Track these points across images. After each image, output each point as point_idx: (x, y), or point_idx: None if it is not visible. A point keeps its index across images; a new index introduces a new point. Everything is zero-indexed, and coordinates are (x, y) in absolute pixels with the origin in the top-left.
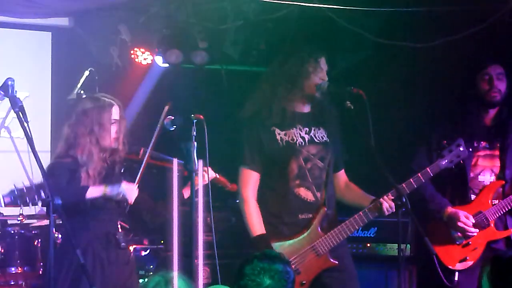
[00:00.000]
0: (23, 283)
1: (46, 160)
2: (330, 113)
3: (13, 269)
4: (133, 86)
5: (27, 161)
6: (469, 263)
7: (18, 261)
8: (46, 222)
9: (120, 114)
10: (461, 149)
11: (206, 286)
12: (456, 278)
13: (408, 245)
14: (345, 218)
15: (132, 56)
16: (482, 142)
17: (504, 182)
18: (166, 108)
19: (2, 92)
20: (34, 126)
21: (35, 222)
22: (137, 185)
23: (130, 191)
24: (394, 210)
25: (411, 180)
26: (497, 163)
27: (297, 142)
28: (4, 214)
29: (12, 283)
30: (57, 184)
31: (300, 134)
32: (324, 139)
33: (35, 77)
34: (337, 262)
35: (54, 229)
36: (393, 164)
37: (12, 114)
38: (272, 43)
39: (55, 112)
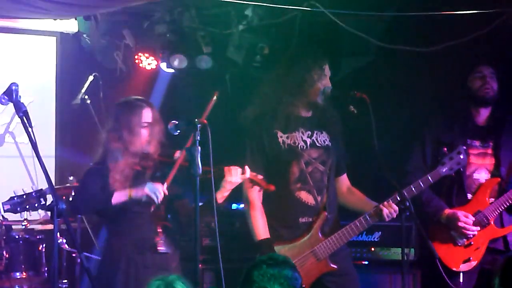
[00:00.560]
0: None
1: (50, 165)
2: (332, 117)
3: (17, 274)
4: (138, 91)
5: (31, 166)
6: (473, 263)
7: (23, 266)
8: (50, 227)
9: (153, 116)
10: (462, 156)
11: None
12: (461, 280)
13: (412, 249)
14: (347, 222)
15: (136, 61)
16: (474, 141)
17: (500, 179)
18: (214, 97)
19: (6, 97)
20: (39, 131)
21: (39, 227)
22: (167, 185)
23: (155, 191)
24: (395, 216)
25: (412, 186)
26: (491, 161)
27: (299, 145)
28: (9, 220)
29: None
30: (88, 190)
31: (302, 138)
32: (326, 143)
33: (40, 82)
34: (336, 267)
35: (56, 234)
36: (397, 168)
37: (17, 119)
38: (275, 48)
39: (60, 117)
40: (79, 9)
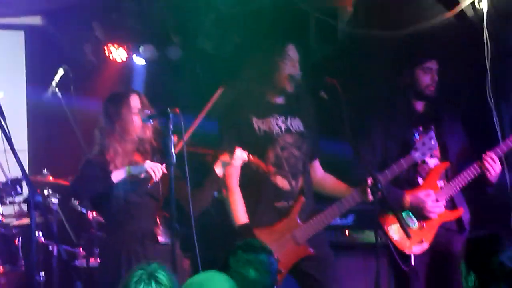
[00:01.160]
0: (6, 282)
1: (23, 159)
2: (305, 103)
3: None
4: (109, 83)
5: (3, 160)
6: (425, 245)
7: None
8: (26, 221)
9: (141, 101)
10: (433, 142)
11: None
12: (412, 262)
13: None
14: (321, 206)
15: (106, 53)
16: (418, 128)
17: (449, 163)
18: (220, 91)
19: None
20: (10, 125)
21: (15, 221)
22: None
23: (154, 167)
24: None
25: (386, 172)
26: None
27: (274, 131)
28: None
29: None
30: (86, 180)
31: (277, 123)
32: (300, 128)
33: (9, 76)
34: (313, 251)
35: (34, 226)
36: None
37: None
38: (245, 36)
39: (31, 110)
40: (44, 2)
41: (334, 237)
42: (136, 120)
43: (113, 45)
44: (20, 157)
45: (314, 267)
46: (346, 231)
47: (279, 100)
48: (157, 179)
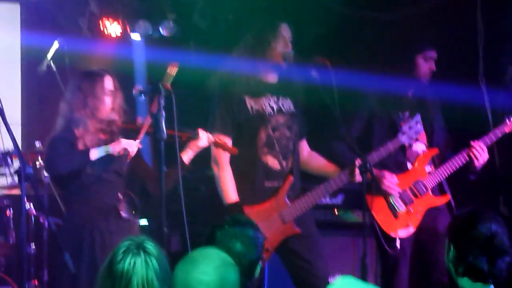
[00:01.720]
0: None
1: (16, 132)
2: (297, 83)
3: None
4: (103, 57)
5: None
6: (411, 229)
7: None
8: (16, 192)
9: (114, 84)
10: (419, 126)
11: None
12: (398, 246)
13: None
14: (308, 186)
15: (101, 27)
16: (406, 113)
17: (437, 150)
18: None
19: None
20: (4, 98)
21: (6, 192)
22: (139, 141)
23: (130, 143)
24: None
25: (374, 154)
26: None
27: (267, 111)
28: None
29: None
30: (60, 155)
31: (269, 104)
32: (291, 109)
33: (5, 49)
34: (299, 230)
35: (24, 198)
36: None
37: None
38: (240, 14)
39: (26, 83)
40: None
41: (323, 216)
42: (108, 101)
43: (108, 20)
44: (13, 130)
45: (300, 245)
46: (335, 210)
47: (272, 79)
48: (132, 154)
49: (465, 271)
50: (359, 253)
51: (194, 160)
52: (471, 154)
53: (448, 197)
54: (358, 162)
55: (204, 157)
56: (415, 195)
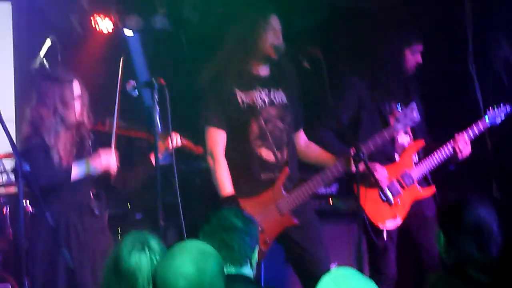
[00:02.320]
0: None
1: (11, 129)
2: (288, 74)
3: None
4: (95, 53)
5: None
6: (399, 221)
7: None
8: (13, 190)
9: (81, 87)
10: (415, 114)
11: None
12: (385, 237)
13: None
14: (305, 176)
15: (92, 23)
16: (392, 104)
17: (423, 142)
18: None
19: None
20: None
21: (2, 190)
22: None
23: (111, 158)
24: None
25: (369, 142)
26: None
27: (257, 104)
28: None
29: None
30: (37, 166)
31: (260, 96)
32: (284, 101)
33: None
34: (297, 222)
35: (21, 195)
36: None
37: None
38: (230, 7)
39: (19, 81)
40: None
41: (318, 206)
42: (77, 106)
43: (99, 16)
44: (8, 128)
45: (300, 235)
46: (330, 199)
47: (263, 71)
48: (115, 169)
49: (456, 257)
50: (354, 240)
51: (189, 154)
52: (456, 147)
53: (433, 188)
54: (352, 151)
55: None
56: (402, 187)
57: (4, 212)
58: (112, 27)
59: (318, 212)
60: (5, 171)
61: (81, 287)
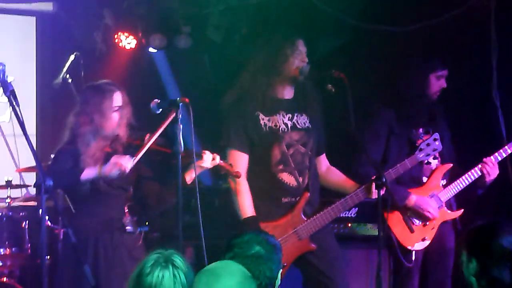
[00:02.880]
0: (12, 264)
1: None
2: (312, 98)
3: (1, 250)
4: (118, 70)
5: (12, 145)
6: (427, 242)
7: (6, 243)
8: (32, 203)
9: (123, 99)
10: (437, 143)
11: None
12: (413, 258)
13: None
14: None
15: (116, 40)
16: (420, 129)
17: (451, 165)
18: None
19: None
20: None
21: (22, 204)
22: (136, 159)
23: (123, 160)
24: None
25: (391, 171)
26: None
27: (280, 128)
28: None
29: (1, 264)
30: (58, 168)
31: (283, 120)
32: (307, 125)
33: (20, 61)
34: (315, 246)
35: (44, 210)
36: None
37: None
38: (254, 28)
39: (40, 96)
40: None
41: (336, 230)
42: (115, 117)
43: (123, 34)
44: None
45: (320, 260)
46: (349, 224)
47: (287, 95)
48: (127, 171)
49: (488, 284)
50: (372, 265)
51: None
52: (484, 169)
53: (461, 211)
54: (374, 177)
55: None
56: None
57: (23, 226)
58: (136, 43)
59: (336, 236)
60: (25, 185)
61: None
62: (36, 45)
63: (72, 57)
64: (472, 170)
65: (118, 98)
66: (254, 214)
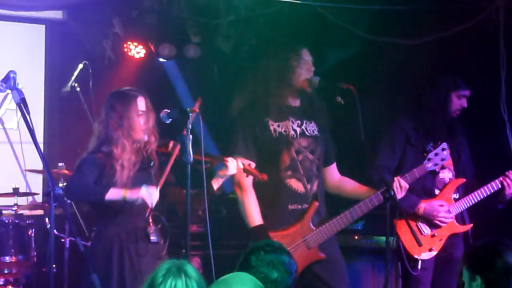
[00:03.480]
0: (17, 272)
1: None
2: (320, 107)
3: (7, 258)
4: (126, 79)
5: (19, 152)
6: (434, 253)
7: (12, 250)
8: (39, 212)
9: (146, 105)
10: (445, 152)
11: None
12: (419, 267)
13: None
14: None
15: (125, 49)
16: (438, 142)
17: (464, 180)
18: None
19: (4, 85)
20: None
21: (29, 212)
22: (161, 185)
23: (150, 195)
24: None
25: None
26: (449, 160)
27: (290, 134)
28: None
29: (6, 271)
30: (82, 179)
31: (292, 127)
32: (315, 132)
33: (29, 69)
34: (324, 256)
35: (53, 218)
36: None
37: (6, 106)
38: (263, 38)
39: (48, 104)
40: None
41: (343, 242)
42: (140, 122)
43: (133, 43)
44: (35, 150)
45: (325, 270)
46: (356, 236)
47: (295, 103)
48: (153, 207)
49: None
50: (378, 277)
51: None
52: (505, 182)
53: (471, 225)
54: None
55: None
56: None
57: (29, 234)
58: (145, 52)
59: (343, 248)
60: (31, 192)
61: None
62: (45, 53)
63: (81, 66)
64: (492, 183)
65: (142, 103)
66: (262, 223)
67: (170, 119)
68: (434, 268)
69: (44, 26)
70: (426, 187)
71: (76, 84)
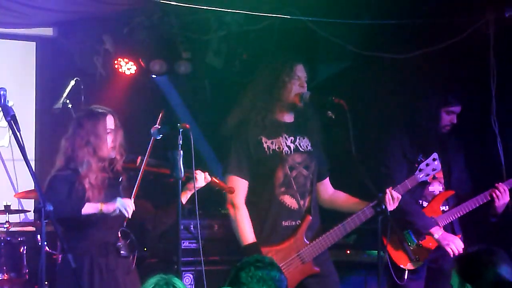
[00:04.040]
0: None
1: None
2: (313, 123)
3: None
4: (117, 96)
5: (11, 170)
6: (420, 263)
7: (4, 268)
8: (30, 229)
9: (115, 123)
10: (436, 163)
11: None
12: (406, 277)
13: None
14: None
15: (116, 66)
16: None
17: (453, 192)
18: (161, 114)
19: None
20: None
21: (20, 229)
22: (134, 198)
23: (126, 206)
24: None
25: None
26: (439, 174)
27: (283, 150)
28: None
29: None
30: (56, 197)
31: (286, 143)
32: (309, 148)
33: (20, 86)
34: (318, 269)
35: (44, 235)
36: (373, 172)
37: None
38: (254, 53)
39: (39, 121)
40: (57, 15)
41: (336, 256)
42: (109, 140)
43: (123, 60)
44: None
45: (318, 285)
46: (347, 251)
47: (288, 118)
48: (129, 216)
49: None
50: None
51: (207, 199)
52: (494, 194)
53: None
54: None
55: (218, 195)
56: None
57: (21, 251)
58: (135, 68)
59: (336, 262)
60: (23, 210)
61: None
62: (35, 70)
63: (72, 82)
64: (482, 195)
65: (110, 121)
66: (255, 240)
67: (161, 135)
68: (426, 279)
69: (34, 43)
70: (415, 199)
71: (68, 101)
